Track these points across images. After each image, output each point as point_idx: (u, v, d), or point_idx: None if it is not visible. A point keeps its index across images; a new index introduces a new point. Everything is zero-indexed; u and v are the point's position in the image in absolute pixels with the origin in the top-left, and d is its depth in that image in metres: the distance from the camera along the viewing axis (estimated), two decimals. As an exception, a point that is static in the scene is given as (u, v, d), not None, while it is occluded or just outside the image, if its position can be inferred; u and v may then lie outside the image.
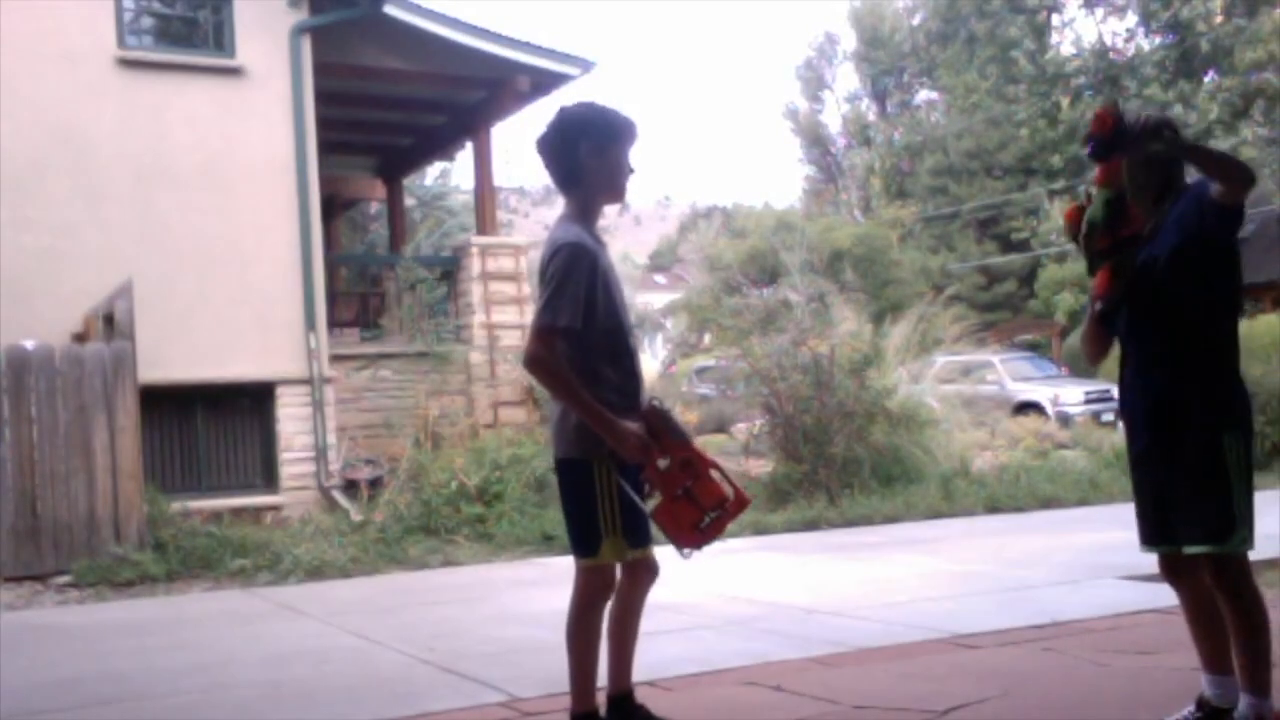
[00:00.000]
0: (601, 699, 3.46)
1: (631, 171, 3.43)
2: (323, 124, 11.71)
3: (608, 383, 3.29)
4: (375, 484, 10.93)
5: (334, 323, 12.50)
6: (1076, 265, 27.35)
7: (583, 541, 3.31)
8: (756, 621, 5.79)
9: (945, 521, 10.08)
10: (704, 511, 3.28)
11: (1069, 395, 18.18)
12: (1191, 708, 3.29)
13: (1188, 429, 3.11)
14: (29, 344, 8.73)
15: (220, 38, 11.22)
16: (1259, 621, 3.09)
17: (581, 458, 3.25)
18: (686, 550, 3.33)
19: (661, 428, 3.27)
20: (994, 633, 5.16)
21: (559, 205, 3.55)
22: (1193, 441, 3.10)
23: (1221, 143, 28.05)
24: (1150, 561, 3.39)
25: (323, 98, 11.70)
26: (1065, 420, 17.17)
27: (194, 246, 10.72)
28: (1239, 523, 3.05)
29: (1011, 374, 18.93)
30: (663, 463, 3.24)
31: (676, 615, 5.76)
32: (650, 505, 3.30)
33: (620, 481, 3.27)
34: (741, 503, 3.35)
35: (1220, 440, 3.07)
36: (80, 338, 9.76)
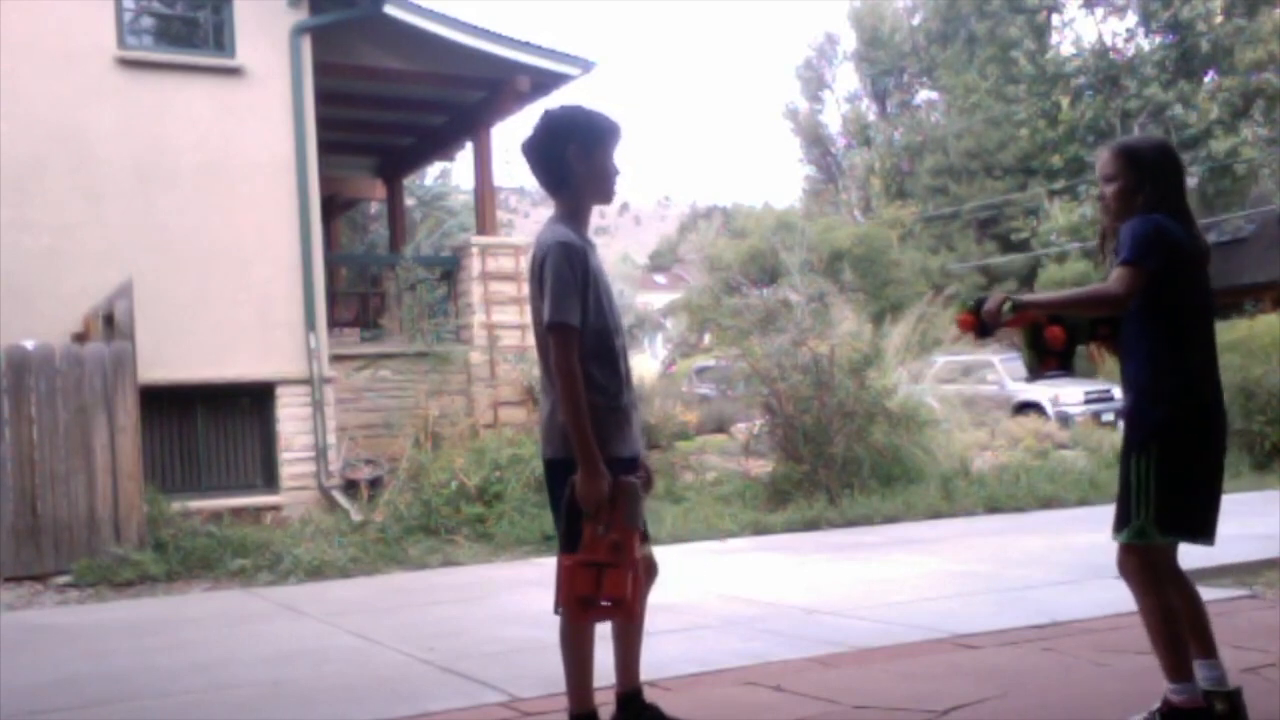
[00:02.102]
0: (605, 698, 3.46)
1: (617, 173, 3.46)
2: (323, 124, 11.71)
3: (593, 382, 3.29)
4: (375, 484, 10.94)
5: (334, 323, 12.50)
6: (1077, 265, 27.35)
7: (572, 542, 3.31)
8: (756, 621, 5.79)
9: (945, 521, 10.08)
10: (599, 594, 3.21)
11: (1069, 395, 18.18)
12: None
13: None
14: (29, 344, 8.73)
15: (220, 38, 11.23)
16: (1149, 611, 3.29)
17: (570, 458, 3.25)
18: (560, 609, 3.28)
19: (621, 502, 3.22)
20: (994, 633, 5.17)
21: (556, 205, 3.57)
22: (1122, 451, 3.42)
23: (1221, 143, 28.08)
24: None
25: (323, 98, 11.70)
26: (1065, 420, 17.17)
27: (194, 246, 10.73)
28: (1133, 519, 3.29)
29: (1011, 374, 18.91)
30: (600, 529, 3.20)
31: (676, 615, 5.76)
32: (567, 550, 3.25)
33: (631, 480, 3.27)
34: (630, 613, 3.28)
35: (1129, 458, 3.33)
36: (80, 338, 9.76)
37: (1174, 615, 3.28)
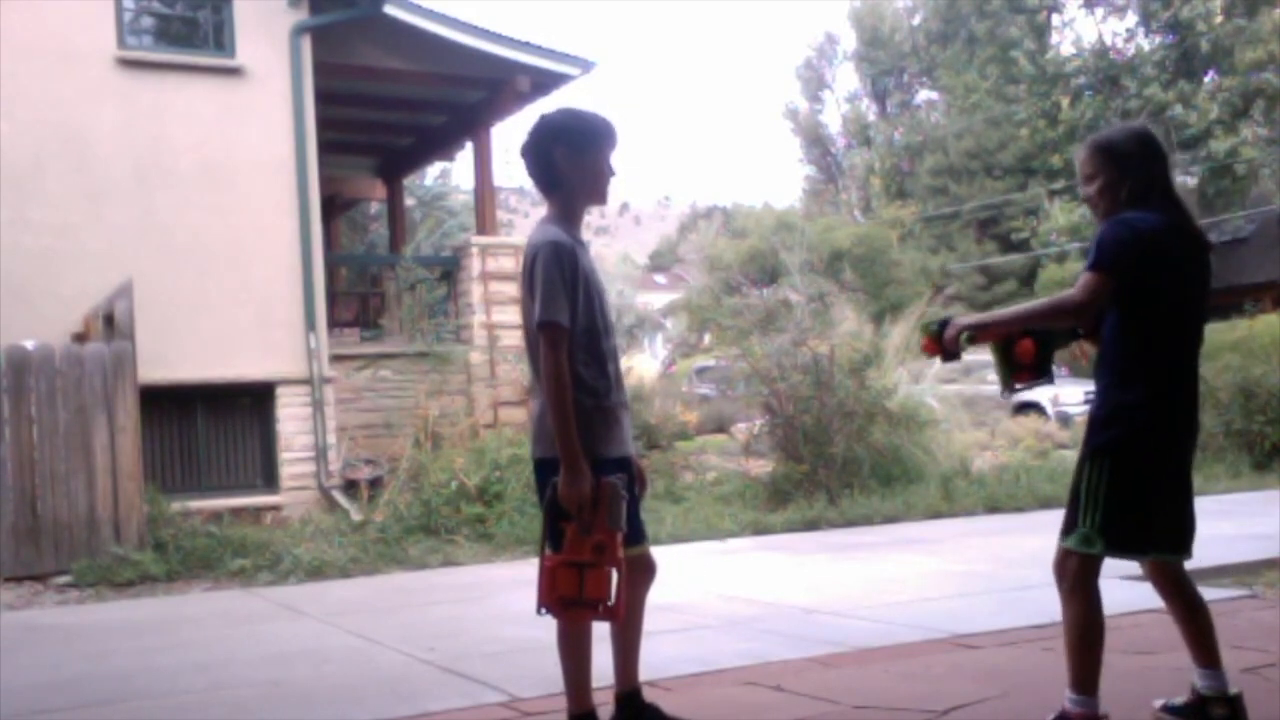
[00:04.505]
0: (604, 698, 3.46)
1: (612, 174, 3.47)
2: (323, 124, 11.72)
3: (581, 382, 3.29)
4: (375, 484, 10.94)
5: (334, 323, 12.51)
6: (1076, 265, 27.36)
7: (555, 541, 3.30)
8: (756, 621, 5.79)
9: (945, 521, 10.07)
10: (580, 594, 3.21)
11: (1069, 395, 18.19)
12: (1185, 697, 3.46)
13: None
14: (29, 344, 8.73)
15: (220, 38, 11.23)
16: (1072, 618, 3.30)
17: (557, 458, 3.24)
18: (543, 610, 3.28)
19: (604, 503, 3.21)
20: (994, 633, 5.17)
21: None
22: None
23: (1221, 143, 28.08)
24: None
25: (323, 98, 11.70)
26: (1065, 420, 17.18)
27: (194, 246, 10.73)
28: (1079, 525, 3.25)
29: (1011, 374, 18.89)
30: (583, 529, 3.19)
31: (676, 615, 5.76)
32: (550, 550, 3.24)
33: (613, 481, 3.26)
34: (614, 614, 3.26)
35: (1082, 465, 3.28)
36: (80, 338, 9.76)
37: (1095, 628, 3.26)
